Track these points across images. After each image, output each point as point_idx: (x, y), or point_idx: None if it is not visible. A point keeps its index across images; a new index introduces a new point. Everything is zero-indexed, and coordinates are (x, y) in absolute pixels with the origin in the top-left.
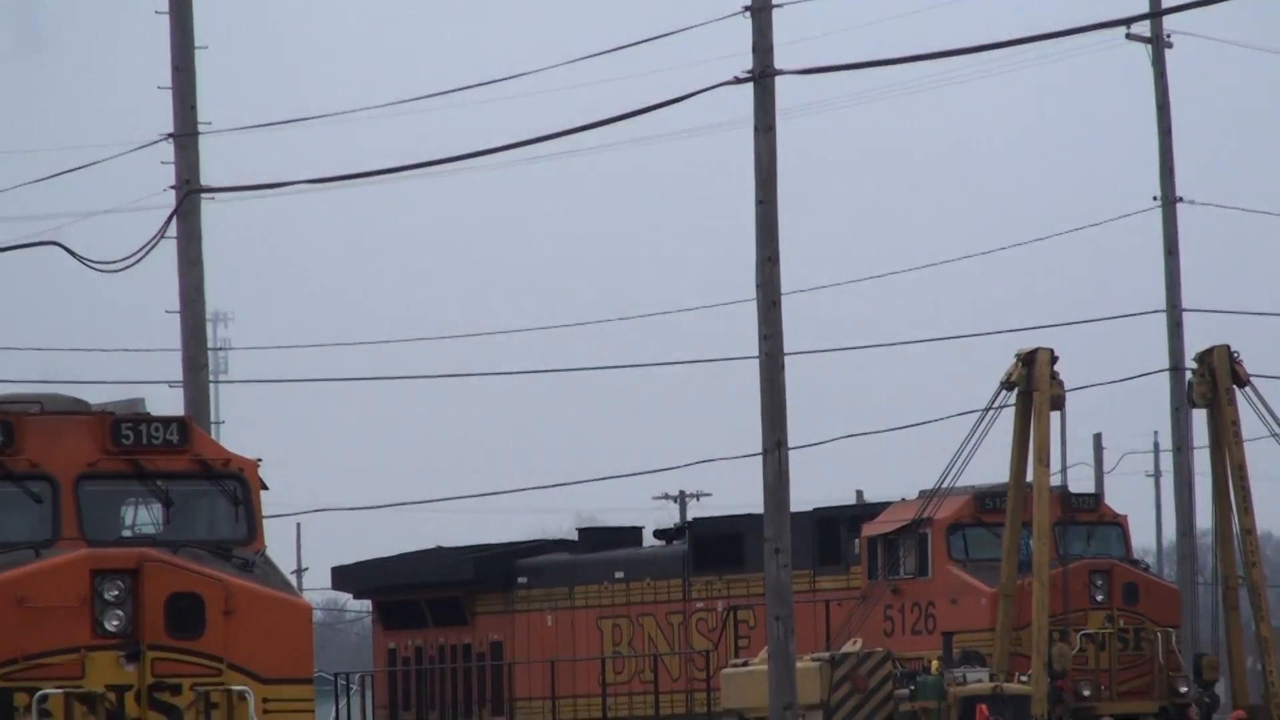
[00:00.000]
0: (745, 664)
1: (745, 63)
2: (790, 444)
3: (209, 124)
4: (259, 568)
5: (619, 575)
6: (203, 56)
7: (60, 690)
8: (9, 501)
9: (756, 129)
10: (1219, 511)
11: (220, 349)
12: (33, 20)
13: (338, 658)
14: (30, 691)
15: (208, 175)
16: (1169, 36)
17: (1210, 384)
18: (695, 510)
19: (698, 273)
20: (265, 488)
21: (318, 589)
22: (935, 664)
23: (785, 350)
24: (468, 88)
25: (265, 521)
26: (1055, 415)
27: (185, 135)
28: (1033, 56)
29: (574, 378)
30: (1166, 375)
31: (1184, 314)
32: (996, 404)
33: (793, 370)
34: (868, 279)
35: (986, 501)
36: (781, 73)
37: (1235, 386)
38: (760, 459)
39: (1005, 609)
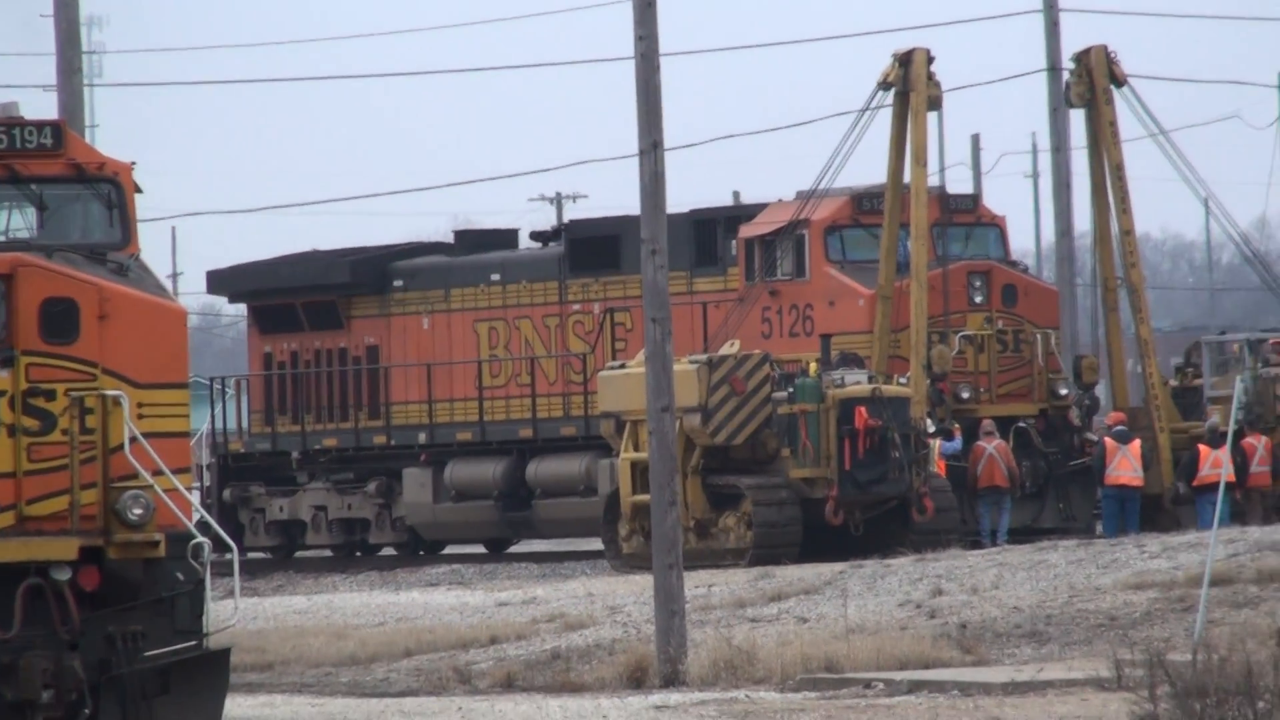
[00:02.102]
0: (622, 366)
1: None
2: (666, 145)
3: None
4: (133, 272)
5: (495, 278)
6: None
7: None
8: None
9: None
10: (1097, 212)
11: (95, 52)
12: None
13: (213, 362)
14: None
15: None
16: None
17: (1088, 84)
18: (571, 212)
19: None
20: (140, 191)
21: (193, 293)
22: (813, 366)
23: (661, 51)
24: None
25: (140, 225)
26: (933, 116)
27: None
28: None
29: (452, 79)
30: (1044, 75)
31: (1060, 14)
32: (873, 105)
33: (670, 71)
34: None
35: (864, 202)
36: None
37: (1113, 87)
38: (636, 160)
39: (883, 311)
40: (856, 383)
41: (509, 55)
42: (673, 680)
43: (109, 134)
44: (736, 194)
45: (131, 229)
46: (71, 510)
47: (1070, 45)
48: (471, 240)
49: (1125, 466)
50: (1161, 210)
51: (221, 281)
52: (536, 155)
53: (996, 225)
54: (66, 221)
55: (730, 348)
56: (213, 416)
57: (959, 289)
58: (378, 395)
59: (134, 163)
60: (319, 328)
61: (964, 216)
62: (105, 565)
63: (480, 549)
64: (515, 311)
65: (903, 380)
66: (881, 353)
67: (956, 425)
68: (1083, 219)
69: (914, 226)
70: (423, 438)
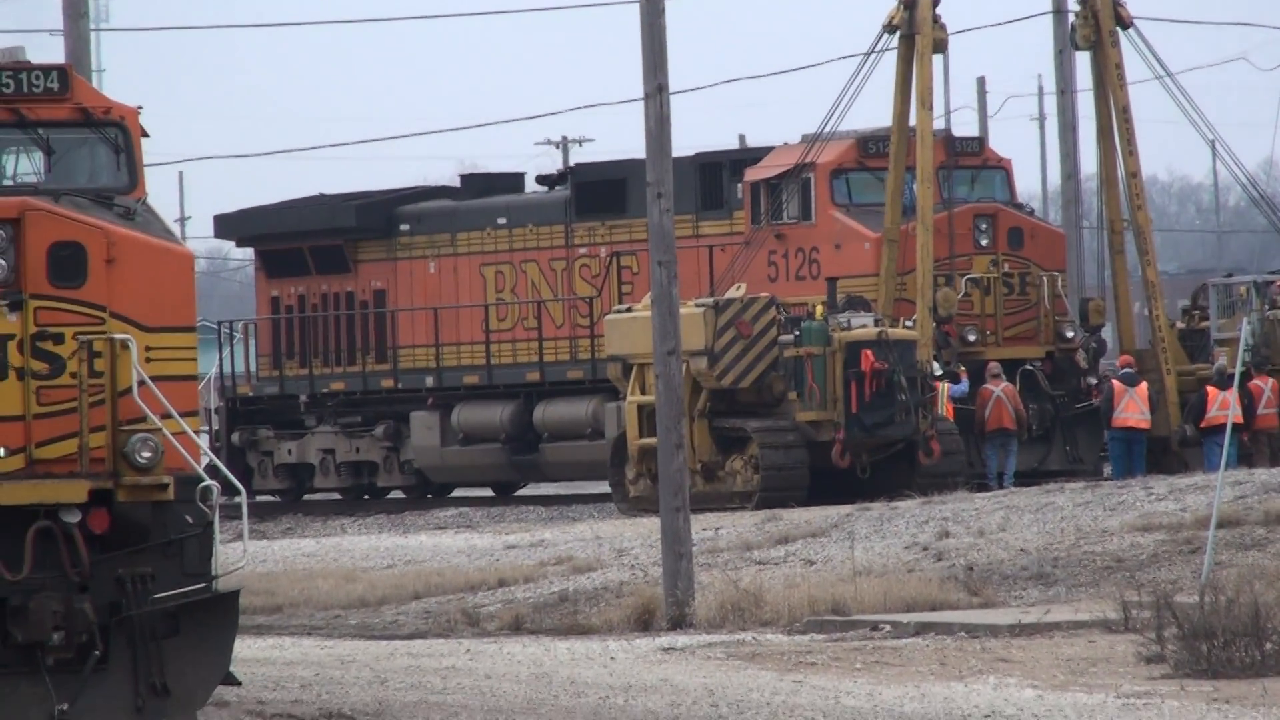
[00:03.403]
0: (629, 310)
1: None
2: (672, 89)
3: None
4: (140, 216)
5: (501, 222)
6: None
7: None
8: None
9: None
10: (1103, 154)
11: None
12: None
13: (221, 306)
14: None
15: None
16: None
17: (1093, 26)
18: (577, 155)
19: None
20: (146, 135)
21: (200, 237)
22: (820, 309)
23: None
24: None
25: (147, 170)
26: (938, 59)
27: None
28: None
29: (459, 23)
30: (1050, 17)
31: None
32: (878, 48)
33: (675, 14)
34: None
35: (869, 146)
36: None
37: (1118, 29)
38: (642, 103)
39: (889, 254)
40: (863, 326)
41: None
42: (680, 623)
43: (116, 78)
44: (742, 137)
45: (138, 173)
46: (81, 453)
47: None
48: (477, 184)
49: (1132, 409)
50: (1168, 152)
51: (229, 225)
52: (542, 99)
53: (1002, 168)
54: (73, 166)
55: (736, 291)
56: (220, 360)
57: (965, 232)
58: (385, 339)
59: (140, 107)
60: (326, 271)
61: (969, 159)
62: (114, 508)
63: (488, 492)
64: (521, 255)
65: (909, 323)
66: (887, 296)
67: (963, 368)
68: (1089, 161)
69: (919, 169)
70: (430, 381)
